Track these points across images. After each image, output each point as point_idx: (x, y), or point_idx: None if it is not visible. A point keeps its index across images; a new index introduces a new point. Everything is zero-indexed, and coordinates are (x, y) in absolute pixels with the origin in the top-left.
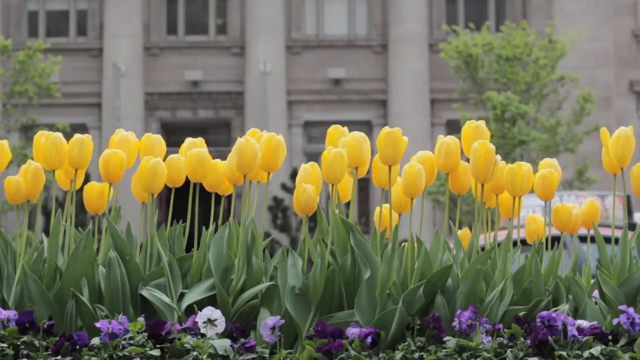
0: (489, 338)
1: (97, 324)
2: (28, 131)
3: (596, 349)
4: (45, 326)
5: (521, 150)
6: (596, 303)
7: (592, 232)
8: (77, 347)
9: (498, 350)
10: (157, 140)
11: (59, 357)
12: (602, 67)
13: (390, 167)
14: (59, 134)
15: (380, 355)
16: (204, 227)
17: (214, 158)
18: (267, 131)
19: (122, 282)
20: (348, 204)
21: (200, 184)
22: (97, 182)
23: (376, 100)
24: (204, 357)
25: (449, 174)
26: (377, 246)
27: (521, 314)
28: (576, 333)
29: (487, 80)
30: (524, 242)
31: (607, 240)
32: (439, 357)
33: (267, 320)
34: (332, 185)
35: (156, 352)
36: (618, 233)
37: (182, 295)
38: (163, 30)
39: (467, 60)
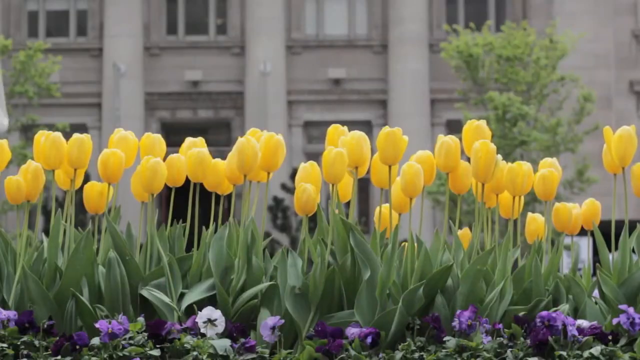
0: (489, 338)
1: (97, 324)
2: (28, 131)
3: (596, 349)
4: (45, 326)
5: (521, 150)
6: (596, 303)
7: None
8: (77, 347)
9: (498, 350)
10: (157, 140)
11: (59, 357)
12: (602, 67)
13: (390, 166)
14: (59, 134)
15: (380, 355)
16: (204, 227)
17: (214, 158)
18: (267, 131)
19: (122, 282)
20: (348, 204)
21: (201, 184)
22: (97, 181)
23: (376, 100)
24: (204, 357)
25: (449, 174)
26: (377, 246)
27: (521, 314)
28: (576, 333)
29: (488, 80)
30: None
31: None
32: (439, 357)
33: (267, 320)
34: (332, 185)
35: (156, 352)
36: None
37: (182, 295)
38: (163, 30)
39: (468, 60)
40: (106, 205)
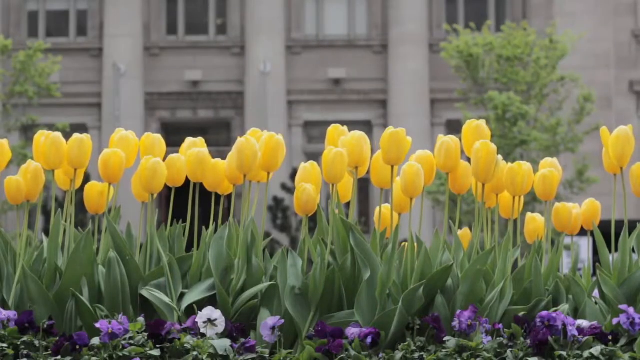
0: (489, 338)
1: (97, 324)
2: (28, 131)
3: (596, 349)
4: (45, 326)
5: (521, 150)
6: (596, 303)
7: None
8: (77, 347)
9: (498, 350)
10: (157, 140)
11: (59, 357)
12: (602, 67)
13: (392, 166)
14: (59, 134)
15: (380, 355)
16: (204, 227)
17: (214, 158)
18: (267, 131)
19: (122, 282)
20: (348, 204)
21: (201, 184)
22: (97, 181)
23: (376, 100)
24: (204, 357)
25: (449, 174)
26: (377, 246)
27: (521, 314)
28: (576, 333)
29: (488, 80)
30: None
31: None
32: (439, 357)
33: (267, 320)
34: (332, 185)
35: (156, 352)
36: None
37: (182, 295)
38: (163, 30)
39: (468, 60)
40: (106, 205)
